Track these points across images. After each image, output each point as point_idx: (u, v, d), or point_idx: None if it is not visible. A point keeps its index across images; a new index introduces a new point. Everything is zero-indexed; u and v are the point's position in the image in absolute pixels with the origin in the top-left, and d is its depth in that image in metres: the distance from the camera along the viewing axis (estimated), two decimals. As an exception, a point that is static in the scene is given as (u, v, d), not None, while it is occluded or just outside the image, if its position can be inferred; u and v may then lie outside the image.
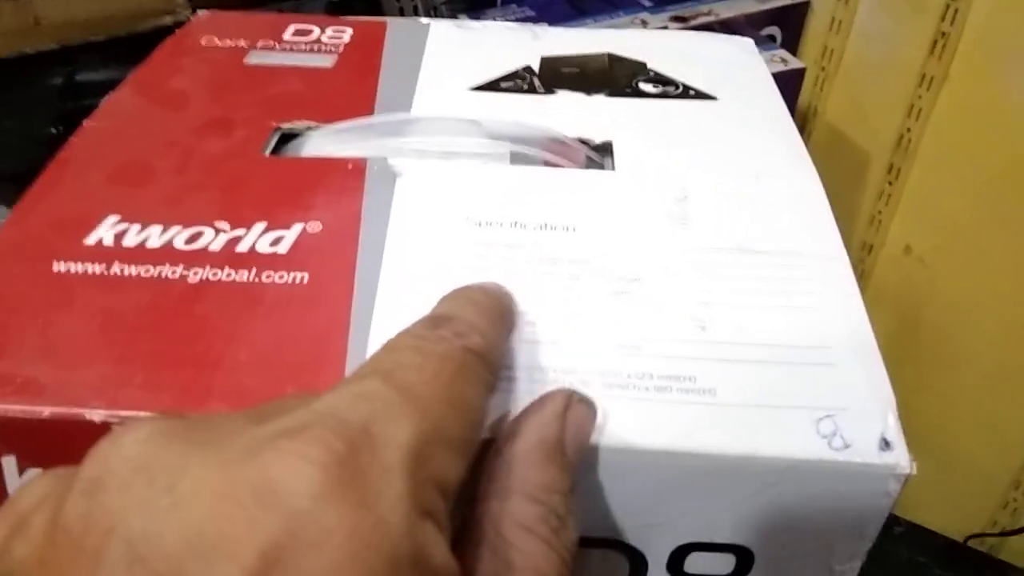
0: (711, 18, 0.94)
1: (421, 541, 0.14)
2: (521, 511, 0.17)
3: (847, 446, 0.20)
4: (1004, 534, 0.81)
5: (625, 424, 0.21)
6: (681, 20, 0.93)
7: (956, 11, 0.84)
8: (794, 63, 0.91)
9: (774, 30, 0.98)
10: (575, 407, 0.19)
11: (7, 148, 0.78)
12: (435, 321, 0.19)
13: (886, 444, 0.21)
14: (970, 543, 0.75)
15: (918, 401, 0.95)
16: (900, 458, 0.20)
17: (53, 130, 0.79)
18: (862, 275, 1.01)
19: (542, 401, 0.20)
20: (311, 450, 0.13)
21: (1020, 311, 0.85)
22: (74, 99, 0.79)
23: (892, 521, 0.63)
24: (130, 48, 0.77)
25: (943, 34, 0.85)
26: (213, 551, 0.12)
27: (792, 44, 1.00)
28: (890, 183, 0.95)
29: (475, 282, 0.22)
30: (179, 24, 0.36)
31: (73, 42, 0.74)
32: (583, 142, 0.30)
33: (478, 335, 0.18)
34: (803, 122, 1.03)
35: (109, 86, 0.32)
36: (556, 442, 0.19)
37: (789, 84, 0.91)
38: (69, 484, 0.14)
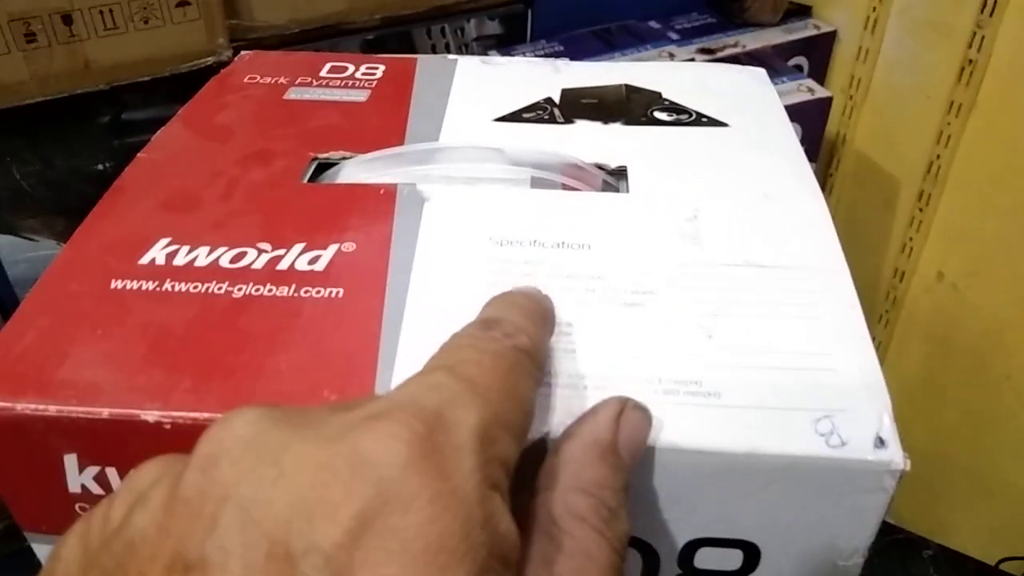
0: (738, 50, 0.96)
1: (490, 509, 0.16)
2: (574, 502, 0.19)
3: (844, 444, 0.22)
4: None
5: (634, 424, 0.22)
6: (708, 52, 0.95)
7: (983, 38, 0.84)
8: (821, 92, 0.92)
9: (801, 60, 1.00)
10: (629, 412, 0.21)
11: (58, 184, 0.82)
12: (486, 324, 0.21)
13: (881, 442, 0.22)
14: (1002, 566, 0.75)
15: (952, 425, 0.94)
16: (894, 455, 0.22)
17: (101, 167, 0.83)
18: (894, 302, 1.01)
19: (598, 406, 0.21)
20: (397, 428, 0.16)
21: (1054, 337, 0.85)
22: (121, 136, 0.82)
23: (922, 544, 0.63)
24: (174, 87, 0.81)
25: (970, 61, 0.86)
26: (315, 513, 0.14)
27: (819, 74, 1.01)
28: (920, 210, 0.96)
29: (518, 287, 0.24)
30: (221, 64, 0.39)
31: (120, 82, 0.77)
32: (600, 167, 0.32)
33: (525, 335, 0.20)
34: (832, 150, 1.04)
35: (154, 123, 0.34)
36: (610, 443, 0.20)
37: (816, 113, 0.92)
38: (185, 462, 0.16)
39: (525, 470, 0.19)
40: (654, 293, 0.26)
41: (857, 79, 0.99)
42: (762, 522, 0.23)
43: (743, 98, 0.36)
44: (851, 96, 1.00)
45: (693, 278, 0.26)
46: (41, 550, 0.26)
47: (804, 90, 0.91)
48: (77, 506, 0.25)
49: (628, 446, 0.21)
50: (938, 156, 0.92)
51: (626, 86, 0.37)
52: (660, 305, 0.25)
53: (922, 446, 0.95)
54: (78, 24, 0.73)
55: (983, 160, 0.88)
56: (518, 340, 0.20)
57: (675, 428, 0.22)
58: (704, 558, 0.24)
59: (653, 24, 0.99)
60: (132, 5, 0.75)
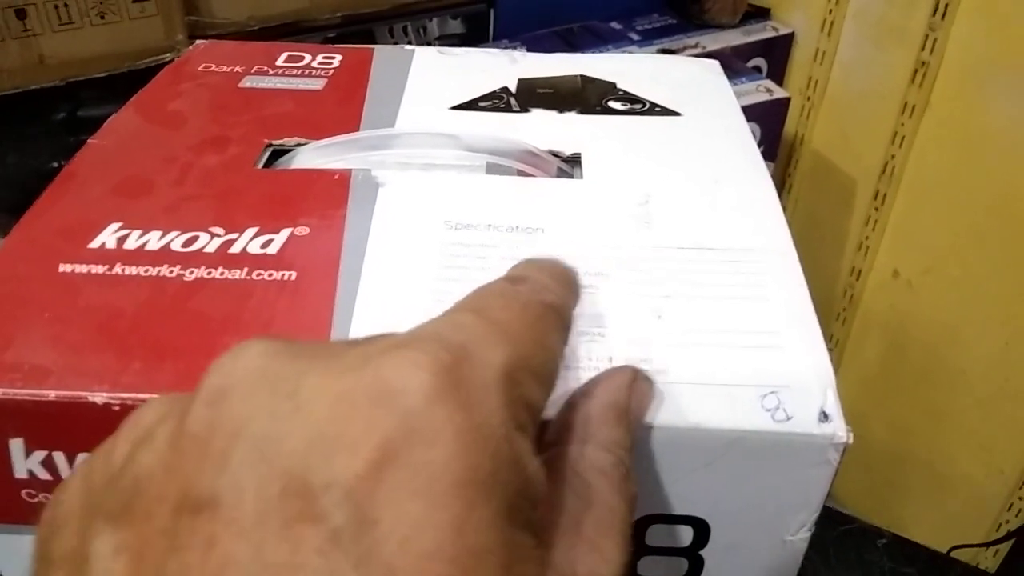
0: (698, 50, 0.97)
1: (517, 448, 0.15)
2: (598, 457, 0.19)
3: (789, 418, 0.22)
4: (988, 544, 0.82)
5: (584, 401, 0.22)
6: (669, 53, 0.96)
7: (935, 40, 0.86)
8: (779, 93, 0.93)
9: (760, 61, 1.01)
10: (640, 381, 0.22)
11: (10, 181, 0.80)
12: (513, 279, 0.20)
13: (825, 416, 0.22)
14: (953, 554, 0.76)
15: (909, 421, 0.96)
16: (838, 429, 0.22)
17: (55, 164, 0.81)
18: (851, 300, 1.03)
19: (613, 371, 0.22)
20: (422, 358, 0.15)
21: (1007, 332, 0.87)
22: (76, 133, 0.81)
23: (876, 533, 0.64)
24: (131, 84, 0.80)
25: (923, 63, 0.88)
26: (334, 447, 0.14)
27: (778, 75, 1.03)
28: (876, 209, 0.97)
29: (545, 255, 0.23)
30: (180, 61, 0.38)
31: (76, 78, 0.76)
32: (554, 154, 0.32)
33: (552, 294, 0.20)
34: (790, 150, 1.06)
35: None
36: (624, 406, 0.21)
37: (775, 113, 0.94)
38: (192, 397, 0.15)
39: None
40: (606, 275, 0.26)
41: (814, 80, 1.01)
42: (711, 498, 0.23)
43: (696, 88, 0.37)
44: (808, 97, 1.02)
45: (644, 261, 0.27)
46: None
47: (763, 91, 0.93)
48: (24, 492, 0.24)
49: (636, 412, 0.21)
50: (893, 156, 0.94)
51: (581, 76, 0.38)
52: (612, 287, 0.26)
53: (879, 440, 0.96)
54: (32, 18, 0.72)
55: (936, 160, 0.89)
56: (545, 296, 0.19)
57: (625, 404, 0.22)
58: (655, 535, 0.24)
59: (615, 25, 1.00)
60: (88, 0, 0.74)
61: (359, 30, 0.88)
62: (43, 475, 0.24)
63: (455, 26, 0.94)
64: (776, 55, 1.02)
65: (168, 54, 0.78)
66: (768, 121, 0.92)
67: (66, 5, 0.73)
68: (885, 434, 0.96)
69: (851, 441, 0.22)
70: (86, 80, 0.76)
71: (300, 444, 0.14)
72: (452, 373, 0.15)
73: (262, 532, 0.13)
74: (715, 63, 0.39)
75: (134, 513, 0.15)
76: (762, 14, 1.03)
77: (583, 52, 0.96)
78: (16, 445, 0.23)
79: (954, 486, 0.91)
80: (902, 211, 0.95)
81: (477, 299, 0.18)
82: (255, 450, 0.14)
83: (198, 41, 0.40)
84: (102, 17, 0.75)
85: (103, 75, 0.77)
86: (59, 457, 0.23)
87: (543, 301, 0.19)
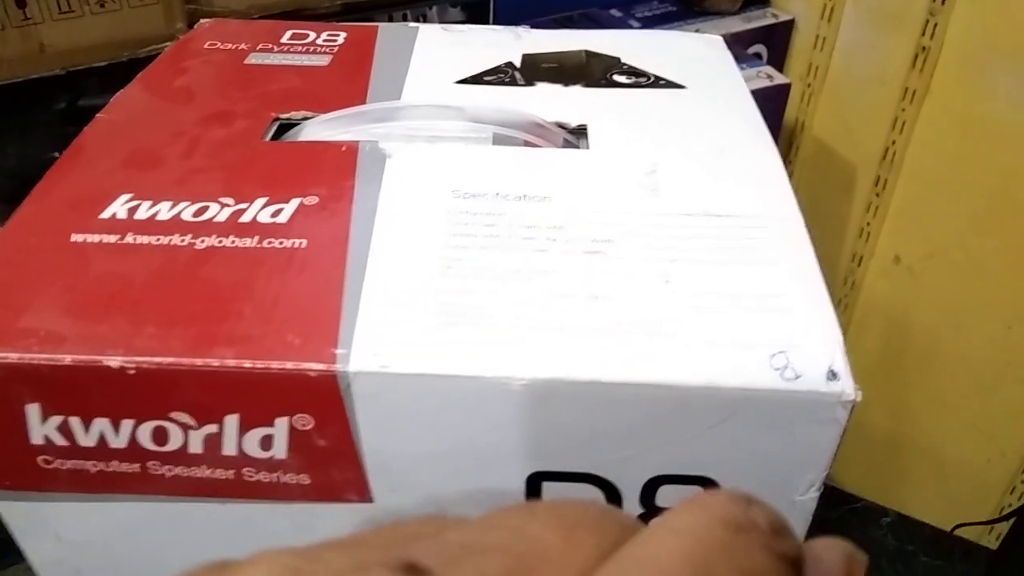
0: (698, 37, 0.97)
1: None
2: None
3: (798, 377, 0.22)
4: (990, 522, 0.82)
5: (596, 361, 0.23)
6: (669, 40, 0.96)
7: (935, 26, 0.86)
8: (780, 79, 0.93)
9: (760, 48, 1.01)
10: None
11: (9, 171, 0.80)
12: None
13: (833, 375, 0.22)
14: (957, 532, 0.77)
15: (911, 406, 0.96)
16: (846, 387, 0.22)
17: (56, 153, 0.81)
18: (853, 286, 1.03)
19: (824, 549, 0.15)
20: None
21: (1008, 317, 0.87)
22: (77, 123, 0.81)
23: (881, 512, 0.65)
24: (132, 73, 0.80)
25: (923, 48, 0.88)
26: None
27: (778, 61, 1.03)
28: (877, 195, 0.97)
29: None
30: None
31: (76, 67, 0.76)
32: (560, 126, 0.32)
33: None
34: (790, 137, 1.06)
35: None
36: None
37: (775, 100, 0.94)
38: None
39: None
40: (613, 242, 0.26)
41: (815, 67, 1.01)
42: (720, 457, 0.24)
43: (699, 62, 0.37)
44: (809, 84, 1.02)
45: (652, 227, 0.27)
46: (6, 508, 0.26)
47: (763, 77, 0.93)
48: (40, 459, 0.24)
49: None
50: (893, 142, 0.94)
51: (585, 51, 0.38)
52: (619, 253, 0.26)
53: (881, 424, 0.97)
54: (32, 7, 0.72)
55: (937, 145, 0.89)
56: None
57: (634, 365, 0.23)
58: (665, 496, 0.24)
59: (614, 12, 1.00)
60: (89, -12, 0.74)
61: (359, 18, 0.88)
62: (59, 440, 0.24)
63: (455, 14, 0.94)
64: (776, 42, 1.02)
65: (168, 43, 0.78)
66: (769, 107, 0.92)
67: (67, -7, 0.73)
68: (887, 418, 0.96)
69: (859, 399, 0.22)
70: (86, 69, 0.76)
71: None
72: None
73: None
74: (718, 39, 0.39)
75: None
76: (762, 1, 1.03)
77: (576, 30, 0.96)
78: (32, 411, 0.23)
79: (956, 470, 0.91)
80: (903, 197, 0.95)
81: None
82: None
83: (203, 20, 0.40)
84: (102, 5, 0.75)
85: (103, 64, 0.77)
86: (75, 422, 0.24)
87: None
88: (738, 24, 1.00)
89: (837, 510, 0.56)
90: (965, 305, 0.90)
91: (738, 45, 0.98)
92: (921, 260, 0.95)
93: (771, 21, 1.01)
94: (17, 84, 0.74)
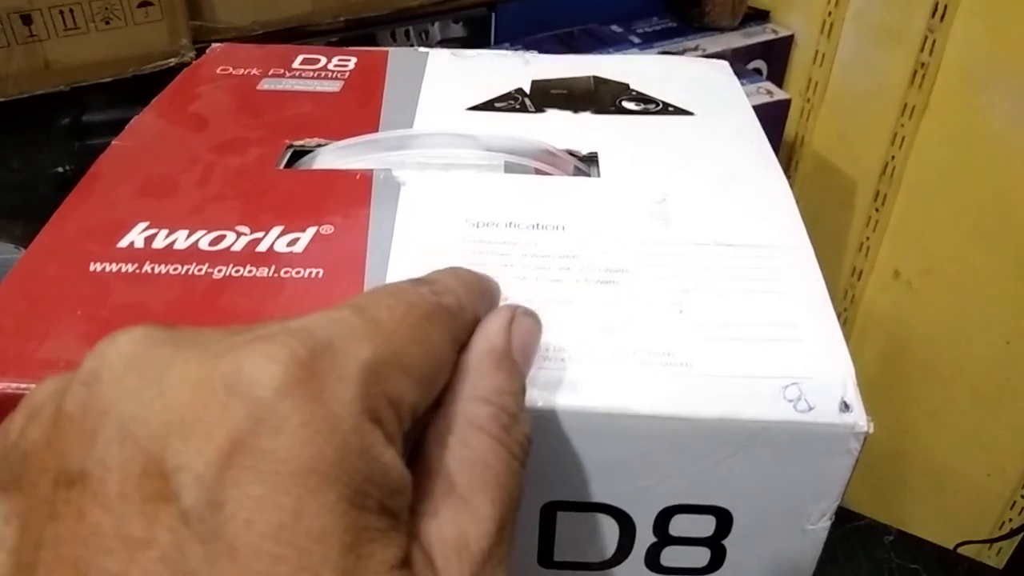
0: (698, 53, 0.97)
1: (369, 440, 0.16)
2: (471, 411, 0.19)
3: (811, 409, 0.23)
4: (992, 540, 0.82)
5: (611, 392, 0.23)
6: (669, 56, 0.97)
7: (934, 42, 0.87)
8: (779, 95, 0.94)
9: (760, 64, 1.02)
10: (520, 319, 0.21)
11: (16, 186, 0.81)
12: (417, 281, 0.20)
13: (846, 406, 0.23)
14: (960, 550, 0.77)
15: (910, 420, 0.96)
16: (859, 418, 0.23)
17: (61, 169, 0.82)
18: (852, 300, 1.04)
19: (489, 317, 0.21)
20: (276, 351, 0.15)
21: (1006, 331, 0.87)
22: (81, 138, 0.81)
23: (883, 530, 0.65)
24: (136, 89, 0.80)
25: (922, 64, 0.88)
26: (191, 432, 0.15)
27: (778, 77, 1.04)
28: (877, 210, 0.98)
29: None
30: (183, 65, 0.39)
31: (81, 83, 0.77)
32: (571, 153, 0.33)
33: (453, 296, 0.20)
34: (790, 152, 1.06)
35: (116, 125, 0.34)
36: (504, 350, 0.20)
37: (775, 115, 0.94)
38: (72, 377, 0.16)
39: None
40: (627, 271, 0.27)
41: (814, 82, 1.01)
42: (734, 488, 0.24)
43: (707, 88, 0.37)
44: (808, 99, 1.03)
45: (664, 256, 0.27)
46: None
47: (763, 92, 0.93)
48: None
49: (522, 351, 0.21)
50: (893, 157, 0.94)
51: (594, 77, 0.38)
52: (632, 282, 0.26)
53: (880, 439, 0.97)
54: (38, 24, 0.72)
55: (936, 160, 0.90)
56: (443, 298, 0.20)
57: (650, 396, 0.23)
58: (678, 525, 0.24)
59: (615, 28, 1.01)
60: (93, 5, 0.74)
61: (362, 34, 0.89)
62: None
63: (457, 30, 0.95)
64: (776, 57, 1.02)
65: (172, 59, 0.79)
66: (768, 123, 0.92)
67: (71, 10, 0.73)
68: (886, 433, 0.96)
69: (871, 431, 0.23)
70: (91, 85, 0.77)
71: (160, 427, 0.15)
72: (305, 367, 0.15)
73: (123, 507, 0.14)
74: (724, 64, 0.40)
75: (22, 483, 0.16)
76: (761, 16, 1.04)
77: (585, 55, 0.97)
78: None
79: (956, 485, 0.91)
80: (902, 211, 0.95)
81: (365, 296, 0.19)
82: (121, 430, 0.15)
83: (214, 44, 0.40)
84: (107, 22, 0.76)
85: (108, 80, 0.77)
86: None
87: (439, 302, 0.19)
88: (738, 40, 1.01)
89: (840, 528, 0.56)
90: (964, 319, 0.91)
91: (738, 61, 0.99)
92: (920, 275, 0.95)
93: (771, 37, 1.02)
94: (22, 100, 0.74)
